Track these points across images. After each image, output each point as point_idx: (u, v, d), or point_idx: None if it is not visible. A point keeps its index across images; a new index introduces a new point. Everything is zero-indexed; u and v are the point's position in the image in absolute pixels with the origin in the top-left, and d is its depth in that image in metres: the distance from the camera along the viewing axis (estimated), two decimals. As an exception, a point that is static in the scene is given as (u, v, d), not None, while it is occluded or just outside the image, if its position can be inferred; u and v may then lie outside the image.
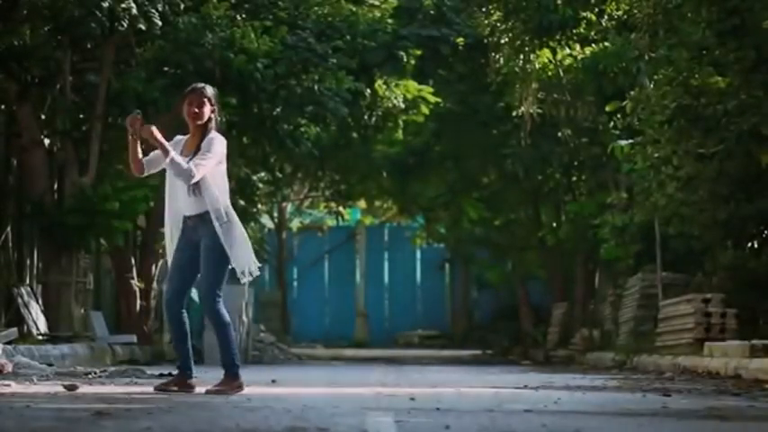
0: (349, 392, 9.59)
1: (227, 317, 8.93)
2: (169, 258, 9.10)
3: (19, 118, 16.99)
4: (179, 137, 9.17)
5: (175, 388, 9.01)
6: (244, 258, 8.91)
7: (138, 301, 19.67)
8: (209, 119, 9.01)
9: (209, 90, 9.14)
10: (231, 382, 8.96)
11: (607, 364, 18.02)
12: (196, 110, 8.98)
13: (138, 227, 20.60)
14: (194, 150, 8.92)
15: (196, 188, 8.83)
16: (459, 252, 36.41)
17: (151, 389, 9.55)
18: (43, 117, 17.27)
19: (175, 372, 9.42)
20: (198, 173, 8.78)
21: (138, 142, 8.99)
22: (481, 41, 21.45)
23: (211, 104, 9.03)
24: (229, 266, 8.92)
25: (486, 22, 20.74)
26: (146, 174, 9.20)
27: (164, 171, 9.15)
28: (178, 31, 16.98)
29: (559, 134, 22.78)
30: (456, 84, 25.87)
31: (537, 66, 20.81)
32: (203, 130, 8.99)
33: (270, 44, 17.71)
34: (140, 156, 9.02)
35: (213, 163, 8.87)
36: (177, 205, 8.98)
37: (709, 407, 8.00)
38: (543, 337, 26.60)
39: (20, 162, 17.74)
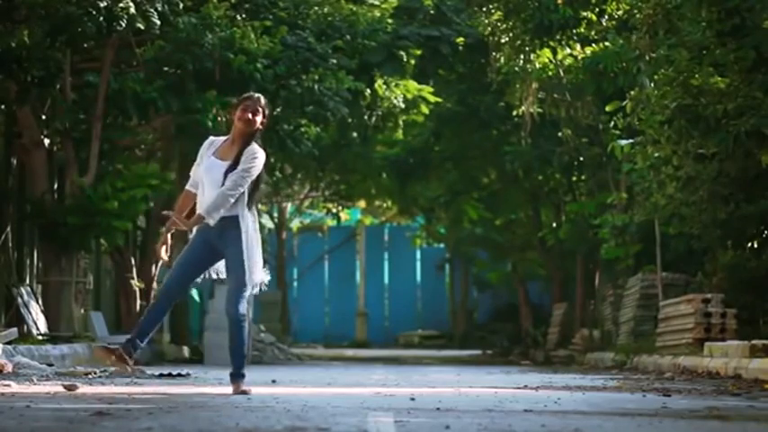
0: (349, 392, 9.59)
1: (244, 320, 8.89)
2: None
3: (19, 118, 17.00)
4: (213, 138, 9.05)
5: (114, 357, 8.84)
6: (258, 271, 8.89)
7: (138, 301, 19.67)
8: (258, 129, 8.88)
9: (264, 101, 9.02)
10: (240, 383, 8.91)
11: (607, 364, 18.02)
12: (250, 116, 8.83)
13: (138, 227, 20.61)
14: (234, 158, 8.77)
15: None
16: (459, 252, 36.43)
17: (151, 389, 9.55)
18: (43, 117, 17.27)
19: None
20: (236, 194, 8.72)
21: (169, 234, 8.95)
22: (481, 41, 21.46)
23: (264, 116, 8.90)
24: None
25: (487, 21, 20.74)
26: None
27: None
28: (178, 31, 16.98)
29: (559, 134, 22.78)
30: (456, 84, 25.89)
31: (537, 66, 20.81)
32: (248, 140, 8.84)
33: (270, 44, 17.71)
34: (183, 220, 8.91)
35: (250, 180, 8.78)
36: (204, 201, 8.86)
37: (709, 407, 8.00)
38: (543, 337, 26.62)
39: (20, 162, 17.76)
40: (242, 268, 8.74)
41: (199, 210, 8.85)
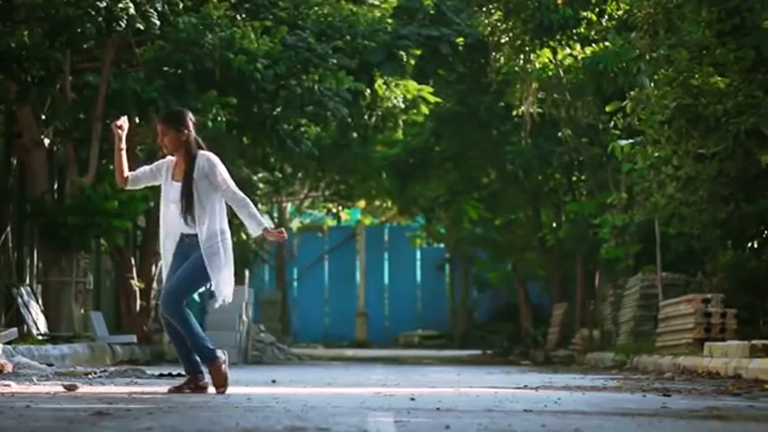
0: (349, 392, 9.59)
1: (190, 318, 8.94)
2: (165, 270, 9.08)
3: (19, 118, 17.00)
4: (171, 159, 9.05)
5: (188, 390, 8.97)
6: (223, 287, 8.90)
7: (138, 301, 19.68)
8: (186, 140, 8.91)
9: (159, 119, 9.12)
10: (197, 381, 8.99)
11: (607, 364, 18.02)
12: (160, 143, 9.03)
13: (138, 227, 20.62)
14: (184, 173, 8.87)
15: (190, 215, 8.82)
16: (459, 252, 36.44)
17: (151, 389, 9.55)
18: (43, 117, 17.28)
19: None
20: (242, 196, 8.91)
21: (124, 152, 8.97)
22: (481, 41, 21.47)
23: (169, 129, 8.92)
24: (205, 286, 8.93)
25: (487, 21, 20.75)
26: (129, 187, 9.21)
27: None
28: (178, 31, 16.98)
29: (559, 134, 22.78)
30: (456, 84, 25.88)
31: (537, 66, 20.81)
32: (185, 153, 8.92)
33: (270, 44, 17.71)
34: (125, 168, 9.00)
35: (230, 180, 8.93)
36: (174, 223, 8.93)
37: (709, 407, 8.00)
38: (543, 338, 26.62)
39: (20, 162, 17.76)
40: (192, 276, 8.80)
41: (164, 231, 8.97)
